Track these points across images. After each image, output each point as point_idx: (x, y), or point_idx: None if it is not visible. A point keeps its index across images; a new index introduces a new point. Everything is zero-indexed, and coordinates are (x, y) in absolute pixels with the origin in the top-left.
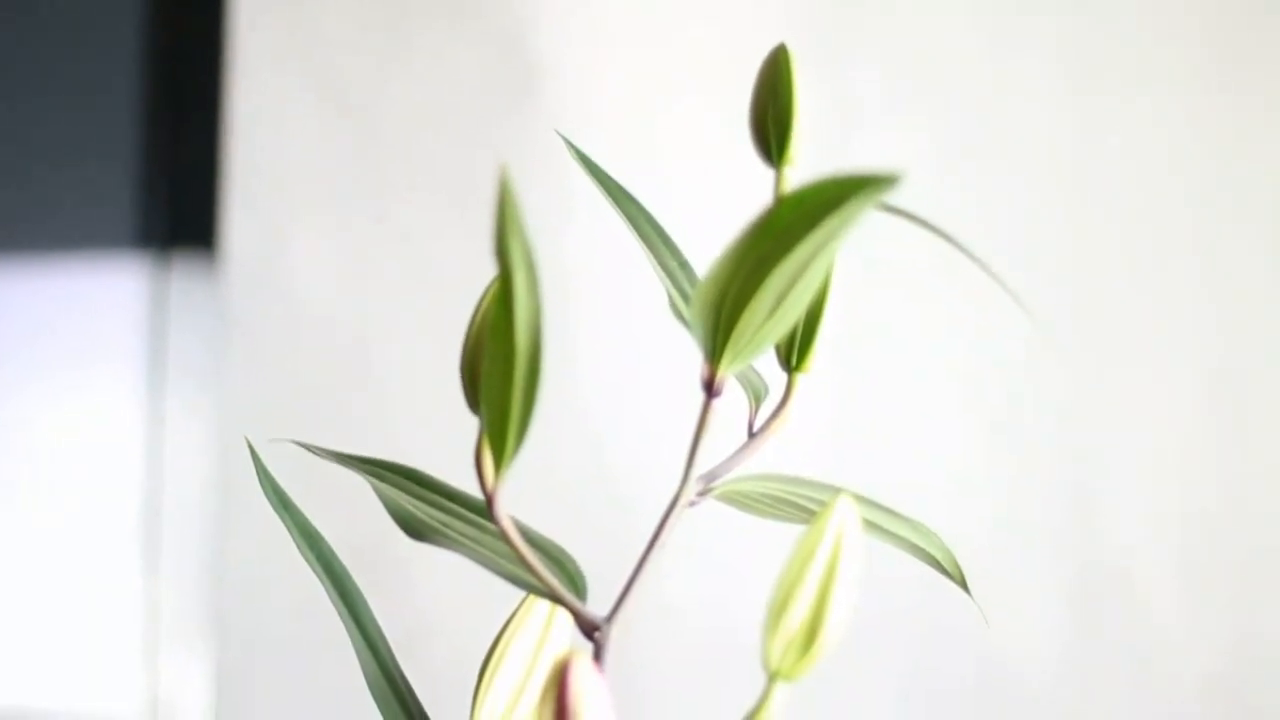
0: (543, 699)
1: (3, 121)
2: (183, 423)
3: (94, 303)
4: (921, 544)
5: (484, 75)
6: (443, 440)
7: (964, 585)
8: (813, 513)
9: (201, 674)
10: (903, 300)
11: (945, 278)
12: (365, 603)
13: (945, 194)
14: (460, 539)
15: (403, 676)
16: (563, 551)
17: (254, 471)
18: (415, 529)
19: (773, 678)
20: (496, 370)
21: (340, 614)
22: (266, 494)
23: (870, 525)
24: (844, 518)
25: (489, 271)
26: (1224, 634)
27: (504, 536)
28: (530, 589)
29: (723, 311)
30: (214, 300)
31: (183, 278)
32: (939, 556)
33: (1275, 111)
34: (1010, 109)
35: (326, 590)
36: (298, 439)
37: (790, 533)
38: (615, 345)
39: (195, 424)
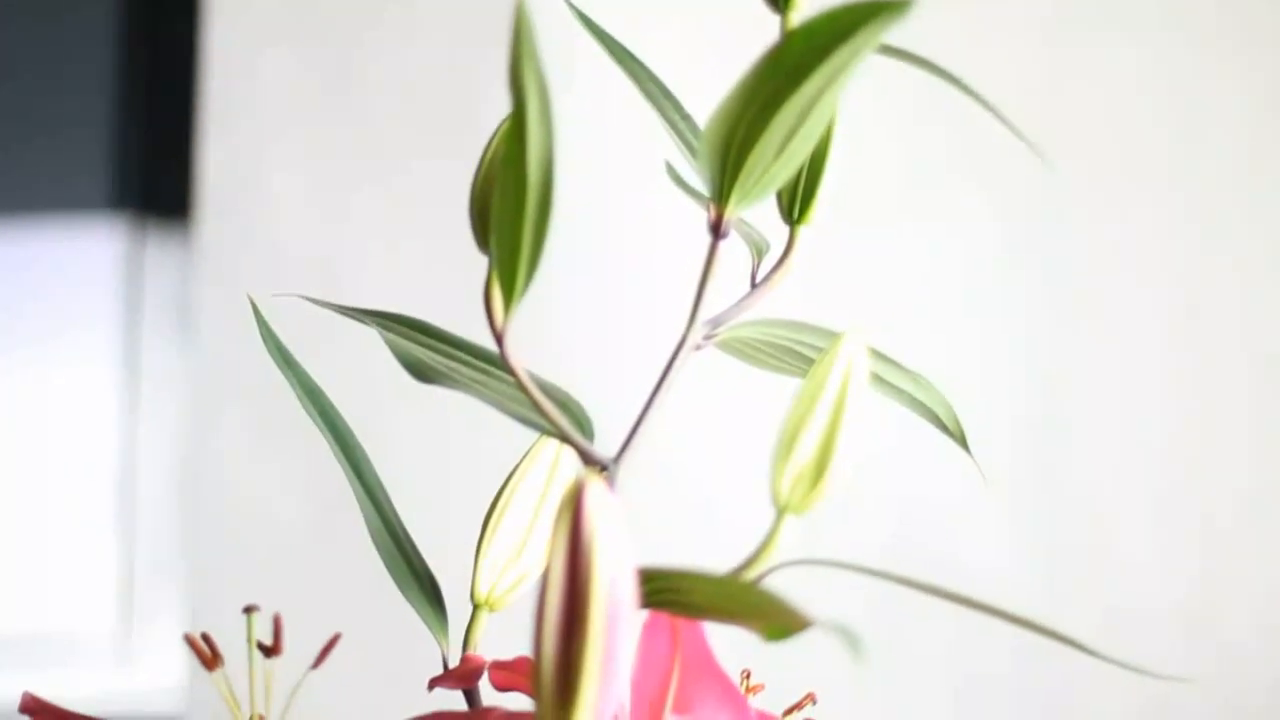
0: (557, 523)
1: None
2: (157, 384)
3: (68, 266)
4: (922, 398)
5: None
6: (419, 397)
7: (963, 442)
8: (814, 362)
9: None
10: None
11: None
12: (367, 457)
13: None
14: (468, 381)
15: (404, 529)
16: (568, 396)
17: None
18: (423, 373)
19: (782, 511)
20: (507, 203)
21: (343, 468)
22: (270, 351)
23: (872, 377)
24: (853, 352)
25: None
26: (1191, 566)
27: (512, 376)
28: (538, 429)
29: (730, 150)
30: (188, 263)
31: (157, 241)
32: (939, 412)
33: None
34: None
35: (329, 444)
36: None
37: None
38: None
39: (169, 386)
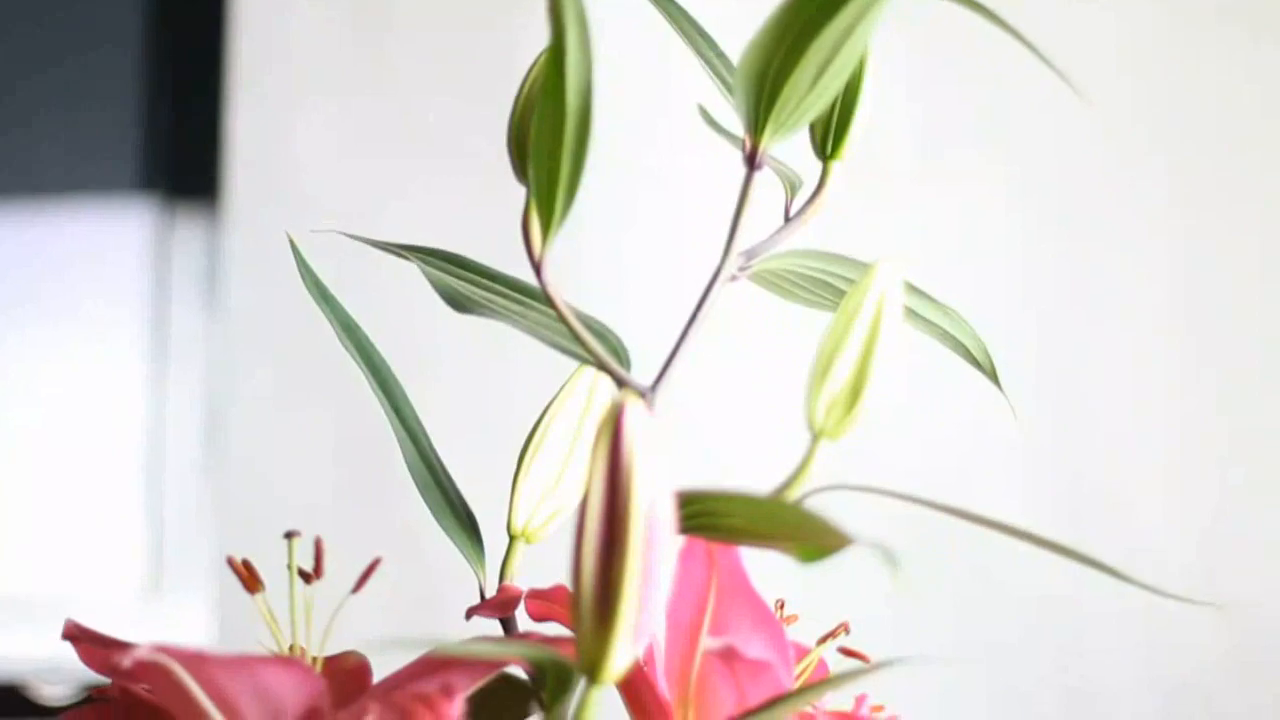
0: (596, 442)
1: (6, 66)
2: (184, 355)
3: (99, 245)
4: (954, 332)
5: None
6: (453, 336)
7: (994, 377)
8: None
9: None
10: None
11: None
12: (403, 391)
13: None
14: (505, 312)
15: (441, 462)
16: (605, 326)
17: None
18: (461, 304)
19: (817, 436)
20: (546, 131)
21: (380, 403)
22: (307, 286)
23: (904, 310)
24: (887, 279)
25: (493, 167)
26: (1202, 526)
27: (550, 304)
28: (576, 357)
29: (765, 82)
30: (216, 236)
31: (186, 220)
32: (970, 346)
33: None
34: None
35: (367, 379)
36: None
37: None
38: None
39: (196, 357)
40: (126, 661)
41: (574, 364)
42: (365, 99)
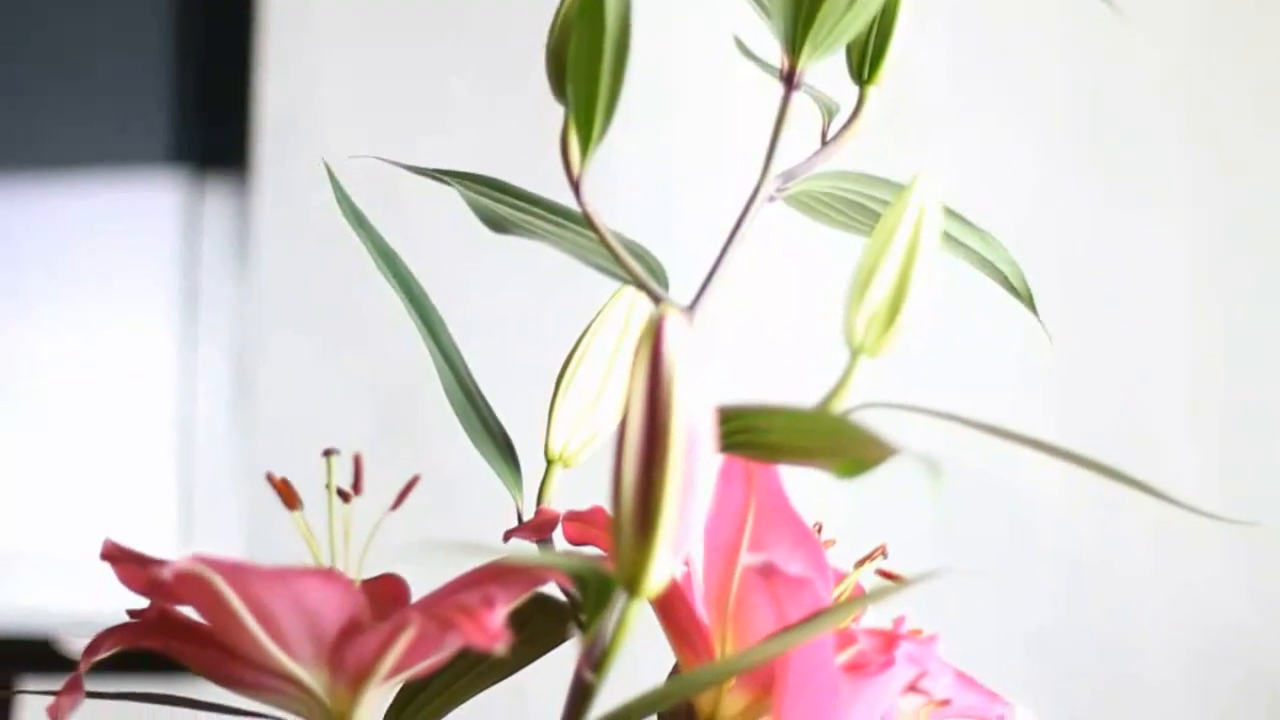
0: (637, 354)
1: (35, 38)
2: (215, 328)
3: (130, 216)
4: (991, 257)
5: None
6: (483, 295)
7: (1030, 304)
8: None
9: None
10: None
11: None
12: (440, 318)
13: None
14: (543, 231)
15: (478, 387)
16: (642, 247)
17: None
18: (499, 224)
19: (856, 352)
20: (584, 51)
21: (419, 330)
22: (344, 213)
23: (941, 234)
24: (926, 195)
25: (523, 125)
26: (1230, 478)
27: (588, 223)
28: (614, 276)
29: (804, 1)
30: (245, 204)
31: (215, 190)
32: (1007, 272)
33: None
34: None
35: (405, 306)
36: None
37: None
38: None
39: (227, 328)
40: (166, 573)
41: (610, 290)
42: (393, 60)
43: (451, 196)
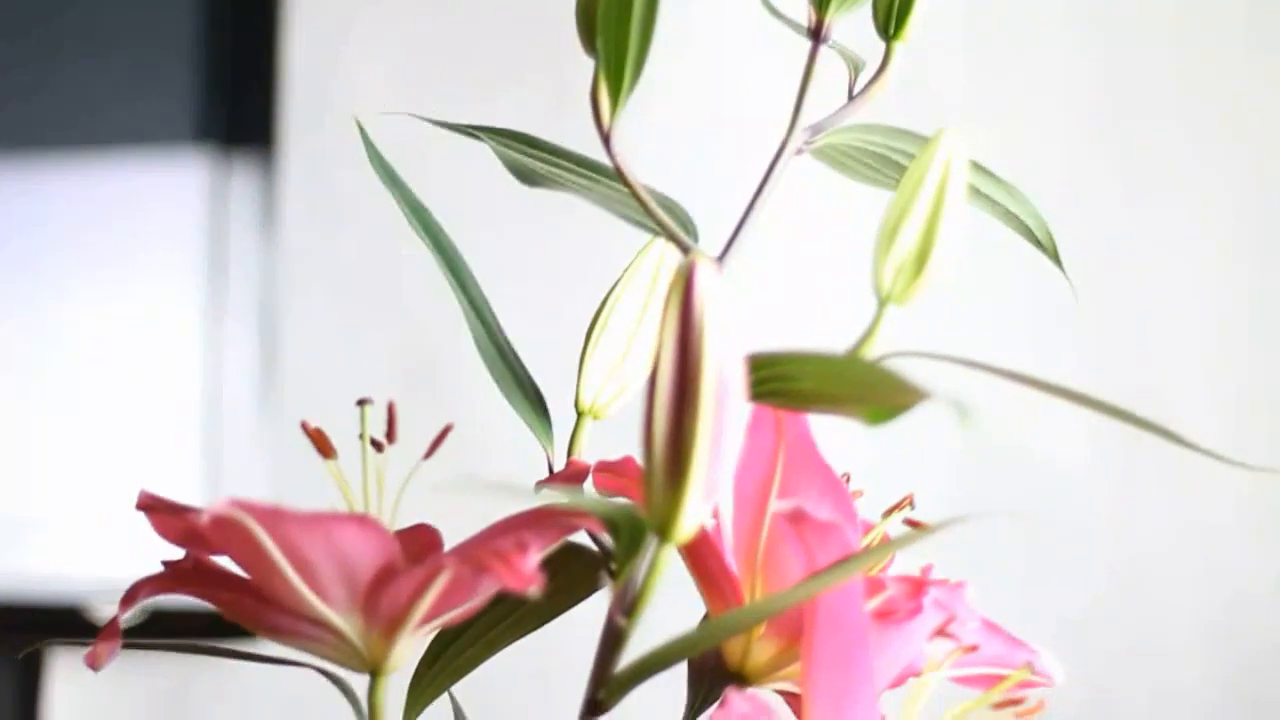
0: (668, 301)
1: (61, 15)
2: (241, 305)
3: (156, 194)
4: (1015, 210)
5: None
6: (512, 255)
7: (1055, 257)
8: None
9: None
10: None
11: None
12: (470, 272)
13: None
14: (573, 184)
15: (508, 340)
16: (672, 200)
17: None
18: (529, 177)
19: (884, 301)
20: (614, 4)
21: (449, 283)
22: (375, 168)
23: (966, 187)
24: (953, 145)
25: (551, 97)
26: (1257, 449)
27: (618, 173)
28: (644, 227)
29: None
30: (272, 192)
31: (242, 168)
32: (1032, 225)
33: None
34: None
35: (436, 260)
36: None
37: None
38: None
39: (254, 306)
40: (204, 517)
41: (639, 244)
42: (422, 32)
43: (480, 162)
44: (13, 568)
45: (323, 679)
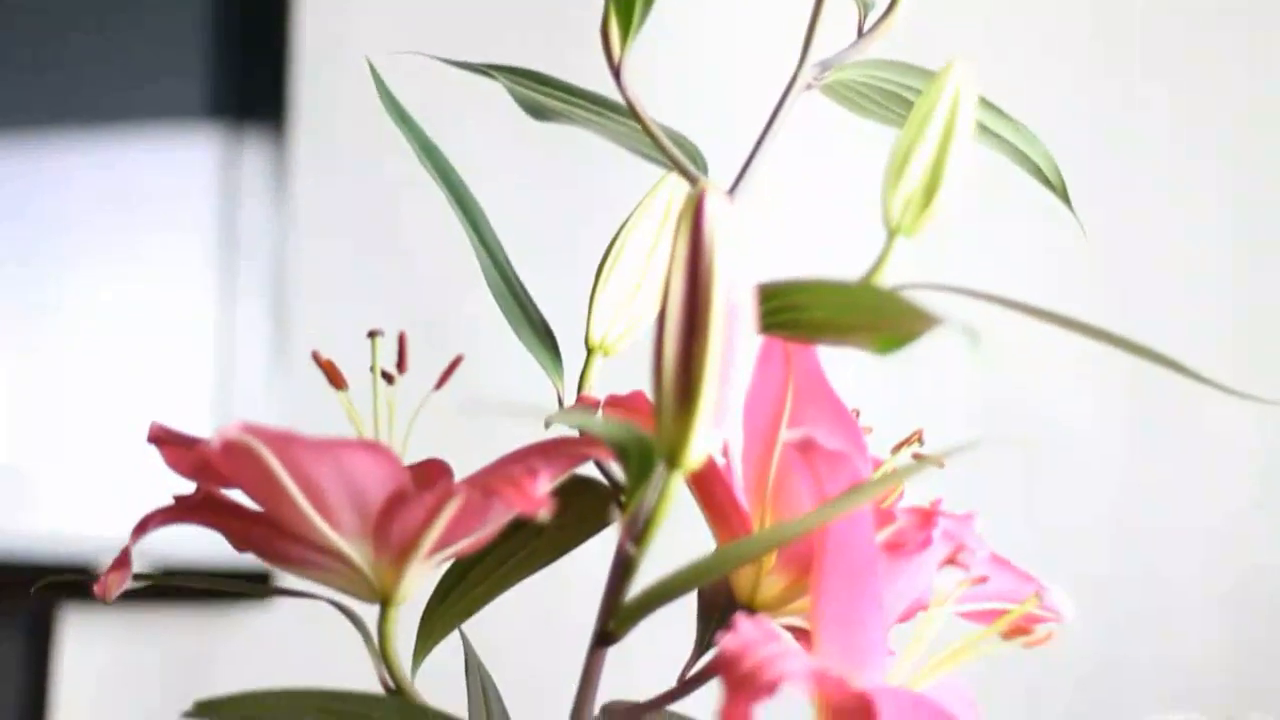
0: (678, 228)
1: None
2: (253, 288)
3: (166, 171)
4: (1024, 149)
5: None
6: (522, 195)
7: (1065, 196)
8: None
9: None
10: None
11: None
12: (482, 211)
13: None
14: (584, 119)
15: (518, 278)
16: (681, 135)
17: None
18: (541, 111)
19: (893, 233)
20: None
21: (460, 221)
22: (387, 108)
23: (976, 124)
24: (961, 78)
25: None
26: (1274, 417)
27: (629, 106)
28: (654, 160)
29: None
30: (283, 165)
31: (254, 148)
32: (1041, 164)
33: None
34: None
35: (447, 198)
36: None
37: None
38: None
39: (263, 282)
40: (214, 442)
41: (649, 184)
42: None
43: (490, 113)
44: (25, 528)
45: (336, 643)
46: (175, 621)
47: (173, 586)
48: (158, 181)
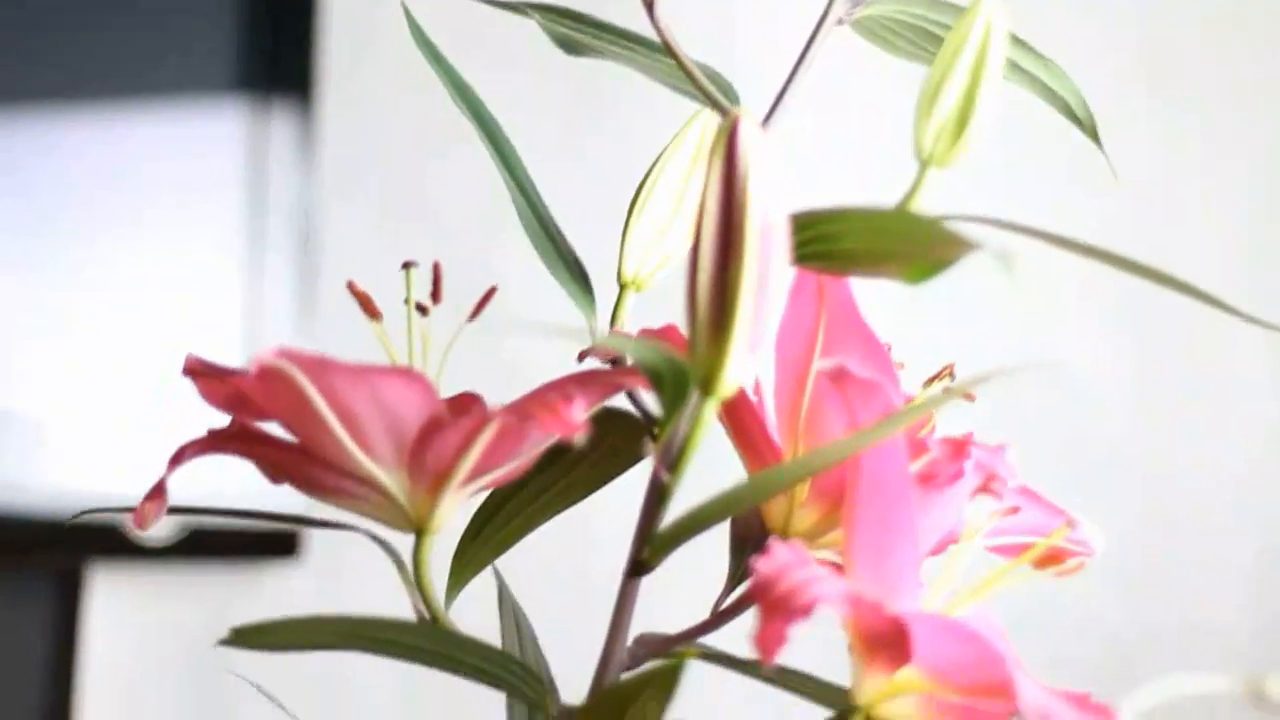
0: (711, 155)
1: None
2: (280, 261)
3: (194, 146)
4: (1054, 86)
5: None
6: (552, 129)
7: (1094, 135)
8: None
9: None
10: None
11: None
12: (513, 147)
13: None
14: (618, 53)
15: (550, 214)
16: (713, 70)
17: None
18: (573, 46)
19: (925, 164)
20: None
21: (492, 157)
22: (420, 47)
23: (1005, 61)
24: (992, 9)
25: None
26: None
27: (663, 42)
28: (686, 94)
29: None
30: (311, 139)
31: (282, 122)
32: (1070, 100)
33: None
34: None
35: (479, 135)
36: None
37: None
38: None
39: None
40: (251, 368)
41: (680, 121)
42: None
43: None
44: (53, 487)
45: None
46: (203, 581)
47: (201, 545)
48: (187, 152)
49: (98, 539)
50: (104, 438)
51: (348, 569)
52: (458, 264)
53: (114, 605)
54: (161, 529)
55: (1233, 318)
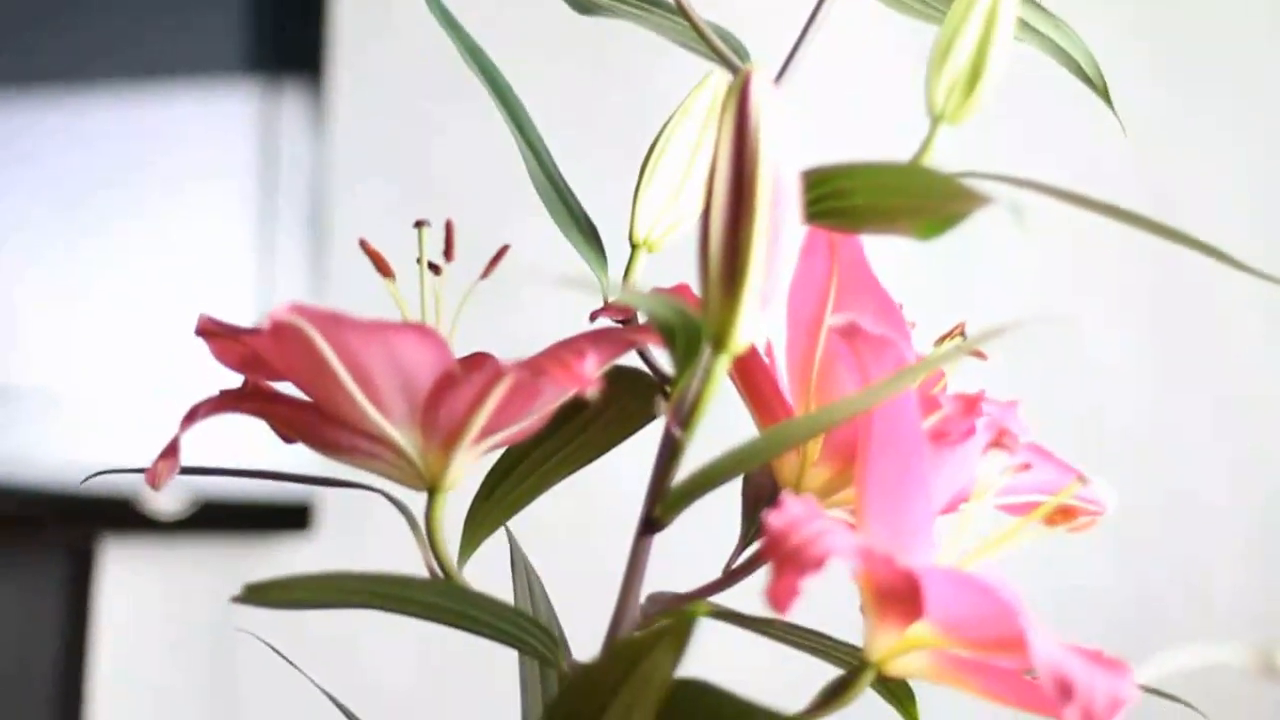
0: (724, 110)
1: None
2: (292, 238)
3: (205, 126)
4: (1065, 46)
5: None
6: (563, 96)
7: (1106, 96)
8: None
9: None
10: None
11: None
12: (526, 110)
13: None
14: (630, 12)
15: (562, 176)
16: (725, 30)
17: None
18: (586, 6)
19: (936, 120)
20: None
21: (505, 120)
22: (433, 11)
23: (1017, 21)
24: None
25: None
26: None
27: (675, 2)
28: (698, 53)
29: None
30: (321, 119)
31: (293, 100)
32: (1081, 61)
33: None
34: None
35: (493, 99)
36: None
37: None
38: None
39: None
40: (265, 324)
41: (693, 82)
42: None
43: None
44: (66, 461)
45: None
46: (216, 555)
47: (214, 519)
48: (199, 131)
49: (111, 513)
50: (119, 414)
51: (361, 542)
52: (469, 237)
53: (127, 579)
54: (174, 502)
55: (1244, 280)
